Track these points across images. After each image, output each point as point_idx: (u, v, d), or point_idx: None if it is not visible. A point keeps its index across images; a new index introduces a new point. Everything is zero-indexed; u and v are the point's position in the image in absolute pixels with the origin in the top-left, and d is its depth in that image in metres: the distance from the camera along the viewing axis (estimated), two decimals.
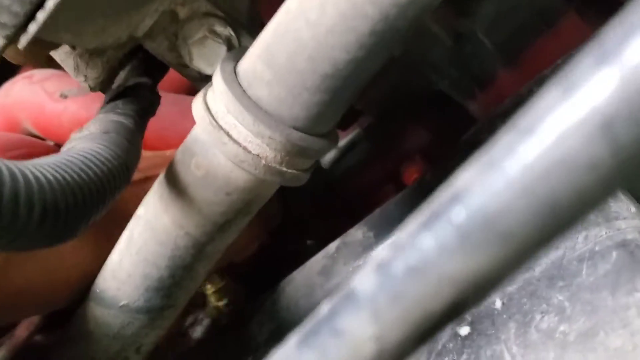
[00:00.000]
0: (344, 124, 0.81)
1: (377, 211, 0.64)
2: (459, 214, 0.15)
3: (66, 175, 0.34)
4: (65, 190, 0.33)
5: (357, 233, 0.64)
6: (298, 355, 0.19)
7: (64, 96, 0.80)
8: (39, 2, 0.40)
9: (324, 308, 0.19)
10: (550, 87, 0.14)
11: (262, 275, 0.79)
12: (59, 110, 0.79)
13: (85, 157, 0.38)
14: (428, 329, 0.17)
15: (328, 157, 0.86)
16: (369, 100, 0.78)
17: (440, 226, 0.15)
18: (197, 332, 0.80)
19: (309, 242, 0.88)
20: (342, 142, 0.86)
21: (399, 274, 0.16)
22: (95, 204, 0.36)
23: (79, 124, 0.75)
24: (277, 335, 0.66)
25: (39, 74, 0.82)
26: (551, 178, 0.13)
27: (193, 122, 0.49)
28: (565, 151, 0.13)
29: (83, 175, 0.36)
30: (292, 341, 0.20)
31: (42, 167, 0.33)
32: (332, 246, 0.65)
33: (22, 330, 0.71)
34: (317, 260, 0.66)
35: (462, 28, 0.72)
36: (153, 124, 0.55)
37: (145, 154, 0.51)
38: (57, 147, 0.78)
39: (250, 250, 0.79)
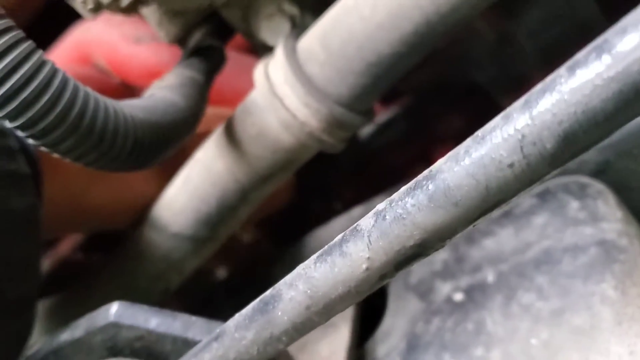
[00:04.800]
0: (386, 100, 0.88)
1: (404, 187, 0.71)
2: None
3: (152, 118, 0.43)
4: (152, 130, 0.42)
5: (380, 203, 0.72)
6: (314, 267, 0.28)
7: (138, 40, 0.89)
8: None
9: (338, 237, 0.28)
10: None
11: (290, 232, 0.87)
12: (131, 53, 0.88)
13: (165, 105, 0.46)
14: (403, 261, 0.26)
15: (366, 131, 0.93)
16: (411, 83, 0.85)
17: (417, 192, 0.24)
18: (223, 273, 0.88)
19: (336, 206, 0.95)
20: (381, 117, 0.92)
21: (388, 219, 0.25)
22: (170, 143, 0.45)
23: (148, 68, 0.84)
24: None
25: (118, 17, 0.90)
26: None
27: (247, 80, 0.57)
28: None
29: (163, 119, 0.44)
30: (311, 258, 0.29)
31: (135, 108, 0.42)
32: (356, 211, 0.73)
33: (65, 247, 0.80)
34: (340, 221, 0.74)
35: (505, 29, 0.77)
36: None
37: (207, 110, 0.59)
38: (123, 85, 0.87)
39: (279, 206, 0.86)
